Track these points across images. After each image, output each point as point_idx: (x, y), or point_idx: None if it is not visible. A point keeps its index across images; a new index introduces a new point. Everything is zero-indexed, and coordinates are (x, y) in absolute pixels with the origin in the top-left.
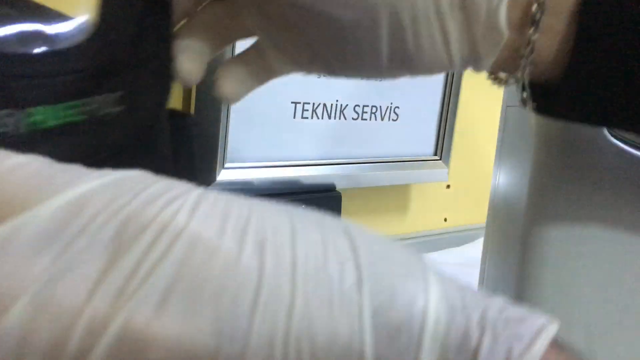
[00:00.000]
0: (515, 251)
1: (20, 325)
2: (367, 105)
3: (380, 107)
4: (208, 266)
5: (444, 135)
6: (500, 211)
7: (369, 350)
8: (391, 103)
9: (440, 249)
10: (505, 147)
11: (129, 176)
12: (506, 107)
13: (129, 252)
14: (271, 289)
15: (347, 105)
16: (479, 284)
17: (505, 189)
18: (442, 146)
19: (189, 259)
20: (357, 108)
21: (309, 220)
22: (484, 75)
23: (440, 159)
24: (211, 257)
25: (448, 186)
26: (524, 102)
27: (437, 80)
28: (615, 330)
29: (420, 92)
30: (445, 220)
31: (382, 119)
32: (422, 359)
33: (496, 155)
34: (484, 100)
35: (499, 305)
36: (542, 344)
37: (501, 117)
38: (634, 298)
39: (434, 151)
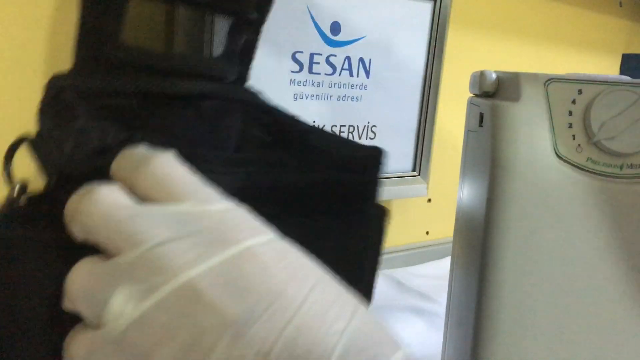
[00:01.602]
0: (477, 259)
1: None
2: (345, 125)
3: (358, 126)
4: None
5: (421, 152)
6: (463, 224)
7: None
8: (368, 122)
9: (423, 262)
10: (467, 166)
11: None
12: (467, 132)
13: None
14: None
15: (324, 125)
16: (448, 291)
17: (467, 203)
18: (420, 162)
19: None
20: (334, 128)
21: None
22: (459, 92)
23: (419, 175)
24: None
25: (429, 200)
26: None
27: (413, 99)
28: (566, 328)
29: (396, 112)
30: (427, 233)
31: (360, 138)
32: None
33: (460, 174)
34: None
35: None
36: None
37: (463, 140)
38: (581, 298)
39: (412, 167)
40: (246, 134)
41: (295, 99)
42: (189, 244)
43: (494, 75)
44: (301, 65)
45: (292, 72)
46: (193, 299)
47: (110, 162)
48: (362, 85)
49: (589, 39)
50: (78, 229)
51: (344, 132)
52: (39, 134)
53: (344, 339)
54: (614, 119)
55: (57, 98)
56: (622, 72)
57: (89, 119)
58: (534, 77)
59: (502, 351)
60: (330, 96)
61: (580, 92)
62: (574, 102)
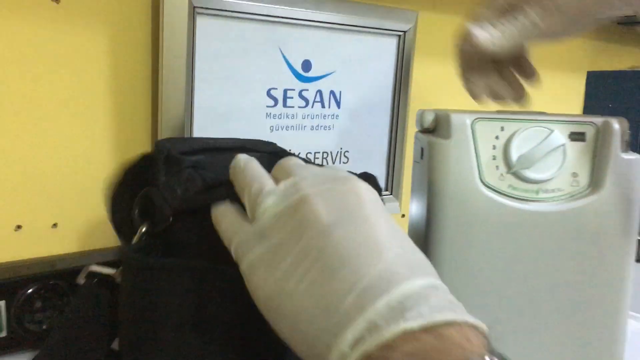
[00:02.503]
0: None
1: None
2: (319, 152)
3: (331, 152)
4: None
5: (392, 174)
6: (413, 237)
7: None
8: (341, 148)
9: None
10: (414, 191)
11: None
12: (414, 162)
13: None
14: None
15: (299, 153)
16: None
17: (414, 222)
18: (392, 183)
19: None
20: (309, 155)
21: None
22: None
23: (391, 194)
24: None
25: (403, 215)
26: None
27: (383, 126)
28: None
29: (367, 137)
30: None
31: (334, 162)
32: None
33: (410, 196)
34: None
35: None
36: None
37: (412, 169)
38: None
39: (385, 187)
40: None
41: (272, 130)
42: (313, 181)
43: (432, 115)
44: (276, 100)
45: (267, 106)
46: (305, 204)
47: (211, 199)
48: (333, 115)
49: (554, 58)
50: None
51: (318, 157)
52: (155, 185)
53: (397, 253)
54: (530, 151)
55: (169, 158)
56: (587, 89)
57: (192, 170)
58: (462, 117)
59: None
60: (304, 126)
61: (502, 128)
62: (497, 137)
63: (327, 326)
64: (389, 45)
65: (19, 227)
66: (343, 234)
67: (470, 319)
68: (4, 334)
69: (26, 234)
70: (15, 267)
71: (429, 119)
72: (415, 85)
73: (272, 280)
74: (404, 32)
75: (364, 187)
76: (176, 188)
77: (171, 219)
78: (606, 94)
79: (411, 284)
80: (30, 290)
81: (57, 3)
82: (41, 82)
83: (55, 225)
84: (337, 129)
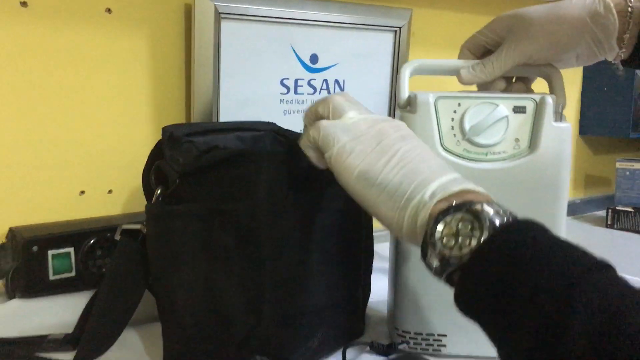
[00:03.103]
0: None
1: None
2: None
3: None
4: None
5: None
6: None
7: None
8: None
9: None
10: None
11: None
12: None
13: None
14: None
15: None
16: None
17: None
18: None
19: None
20: None
21: None
22: None
23: None
24: None
25: None
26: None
27: (382, 109)
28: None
29: None
30: None
31: None
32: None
33: None
34: None
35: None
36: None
37: None
38: None
39: None
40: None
41: (285, 114)
42: (378, 114)
43: (405, 95)
44: (288, 89)
45: (281, 94)
46: (380, 123)
47: (204, 161)
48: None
49: None
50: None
51: None
52: (164, 159)
53: (439, 161)
54: (479, 122)
55: (171, 137)
56: (584, 78)
57: (188, 143)
58: (426, 95)
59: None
60: None
61: (459, 104)
62: (455, 111)
63: (411, 185)
64: (387, 40)
65: (82, 192)
66: (409, 145)
67: (482, 189)
68: (73, 274)
69: (88, 198)
70: (80, 223)
71: (403, 97)
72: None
73: (365, 160)
74: (399, 27)
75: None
76: (178, 158)
77: (177, 181)
78: (602, 80)
79: (451, 174)
80: (92, 241)
81: (110, 13)
82: (95, 77)
83: (110, 191)
84: None
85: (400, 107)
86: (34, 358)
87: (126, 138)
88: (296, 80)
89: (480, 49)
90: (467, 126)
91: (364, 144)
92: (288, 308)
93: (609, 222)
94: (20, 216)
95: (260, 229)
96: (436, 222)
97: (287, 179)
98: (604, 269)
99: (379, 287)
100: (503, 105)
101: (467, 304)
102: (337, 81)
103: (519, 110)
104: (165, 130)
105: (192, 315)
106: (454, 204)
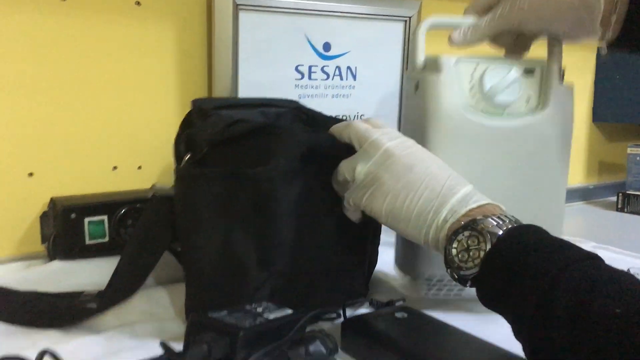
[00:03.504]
0: None
1: None
2: (339, 115)
3: (349, 115)
4: None
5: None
6: None
7: None
8: (357, 112)
9: None
10: (408, 120)
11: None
12: (405, 99)
13: None
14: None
15: None
16: None
17: None
18: None
19: None
20: None
21: None
22: None
23: None
24: None
25: None
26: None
27: (393, 94)
28: None
29: (379, 104)
30: None
31: None
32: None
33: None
34: None
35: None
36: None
37: (401, 108)
38: None
39: None
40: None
41: (300, 98)
42: (386, 137)
43: (423, 56)
44: (302, 74)
45: (296, 79)
46: (389, 156)
47: (229, 132)
48: (350, 86)
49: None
50: (346, 136)
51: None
52: (193, 128)
53: (450, 175)
54: (498, 83)
55: (200, 109)
56: (597, 62)
57: (216, 116)
58: (449, 57)
59: None
60: (326, 95)
61: (476, 66)
62: (473, 73)
63: (429, 215)
64: (397, 29)
65: (115, 167)
66: (419, 170)
67: (488, 201)
68: (106, 239)
69: (120, 172)
70: (113, 195)
71: (420, 59)
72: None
73: (387, 204)
74: (409, 17)
75: (412, 141)
76: (207, 128)
77: (205, 149)
78: (616, 66)
79: (463, 190)
80: (123, 211)
81: (139, 6)
82: (126, 63)
83: (140, 167)
84: (354, 97)
85: (416, 69)
86: (72, 308)
87: (154, 119)
88: (310, 67)
89: (485, 9)
90: (487, 86)
91: (382, 188)
92: (296, 266)
93: (620, 206)
94: (61, 188)
95: (275, 192)
96: (450, 242)
97: (304, 151)
98: (591, 259)
99: (385, 260)
100: (516, 68)
101: (487, 302)
102: (349, 68)
103: (529, 72)
104: (194, 102)
105: (211, 266)
106: (462, 224)
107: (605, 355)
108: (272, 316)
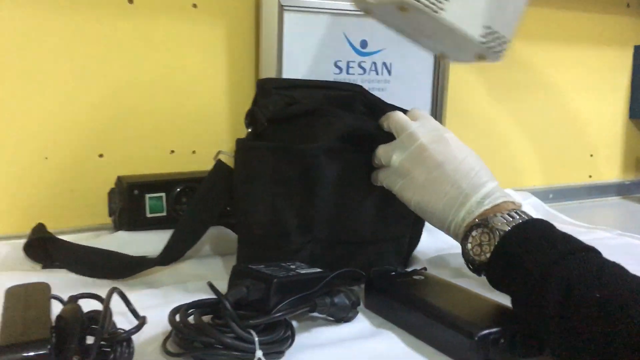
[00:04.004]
0: None
1: None
2: None
3: None
4: None
5: None
6: None
7: None
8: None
9: None
10: None
11: None
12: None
13: None
14: None
15: None
16: None
17: None
18: None
19: None
20: None
21: None
22: (464, 82)
23: None
24: None
25: None
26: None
27: (426, 88)
28: None
29: (412, 98)
30: None
31: None
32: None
33: None
34: (466, 95)
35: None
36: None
37: None
38: None
39: None
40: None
41: None
42: (422, 130)
43: None
44: (340, 69)
45: (334, 74)
46: (423, 150)
47: (289, 111)
48: (385, 80)
49: (602, 37)
50: (386, 125)
51: None
52: (256, 106)
53: (479, 170)
54: None
55: (262, 89)
56: (634, 62)
57: (277, 95)
58: None
59: None
60: None
61: None
62: None
63: (450, 212)
64: None
65: (172, 151)
66: (448, 167)
67: (515, 199)
68: (164, 213)
69: (177, 156)
70: (171, 175)
71: None
72: None
73: (416, 196)
74: None
75: (450, 132)
76: (268, 105)
77: (265, 124)
78: None
79: (484, 190)
80: (179, 189)
81: (195, 8)
82: (183, 59)
83: (194, 151)
84: (389, 90)
85: None
86: (135, 260)
87: (207, 109)
88: (348, 62)
89: None
90: None
91: (413, 181)
92: (334, 235)
93: None
94: (126, 168)
95: (318, 167)
96: (466, 238)
97: (348, 132)
98: (586, 251)
99: (429, 243)
100: None
101: (497, 286)
102: (384, 64)
103: None
104: (259, 81)
105: (259, 227)
106: (476, 222)
107: (586, 337)
108: (303, 272)
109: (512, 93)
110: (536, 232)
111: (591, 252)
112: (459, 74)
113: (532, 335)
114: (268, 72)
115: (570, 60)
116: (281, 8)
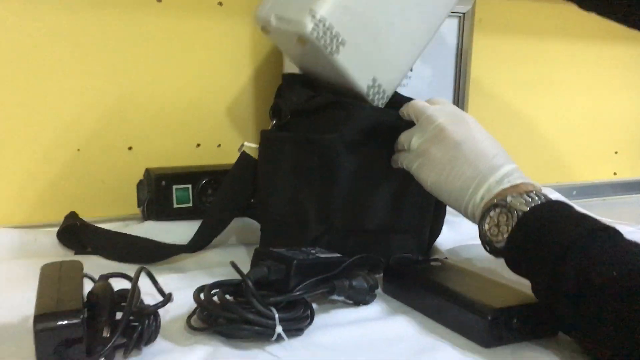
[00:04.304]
0: None
1: None
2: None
3: None
4: None
5: None
6: None
7: None
8: None
9: None
10: None
11: None
12: None
13: None
14: None
15: None
16: None
17: None
18: None
19: None
20: None
21: None
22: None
23: None
24: None
25: None
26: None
27: (447, 83)
28: None
29: (434, 91)
30: None
31: None
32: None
33: None
34: (486, 94)
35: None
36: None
37: None
38: None
39: None
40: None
41: None
42: (441, 113)
43: None
44: None
45: None
46: (441, 131)
47: (311, 104)
48: (407, 76)
49: (629, 34)
50: (405, 113)
51: None
52: (281, 98)
53: (496, 153)
54: None
55: (288, 82)
56: None
57: (300, 88)
58: None
59: None
60: None
61: None
62: None
63: (468, 191)
64: (452, 25)
65: (198, 145)
66: (466, 147)
67: (531, 181)
68: (190, 205)
69: (202, 150)
70: (197, 167)
71: None
72: (475, 54)
73: (433, 175)
74: (464, 13)
75: (467, 114)
76: (292, 97)
77: (289, 116)
78: None
79: (503, 169)
80: (204, 181)
81: (221, 6)
82: (209, 56)
83: (219, 145)
84: (410, 87)
85: None
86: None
87: (231, 104)
88: None
89: None
90: None
91: (430, 160)
92: (351, 224)
93: None
94: (154, 161)
95: (338, 159)
96: (483, 219)
97: (368, 125)
98: (604, 230)
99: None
100: None
101: (512, 269)
102: None
103: None
104: (284, 75)
105: (280, 215)
106: (494, 202)
107: (604, 316)
108: (322, 256)
109: (535, 90)
110: (555, 213)
111: (611, 231)
112: (481, 71)
113: (546, 316)
114: (292, 67)
115: (594, 57)
116: None
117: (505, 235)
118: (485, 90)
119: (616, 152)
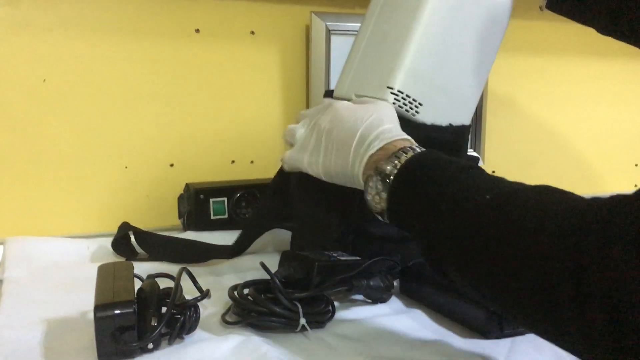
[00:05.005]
0: None
1: None
2: None
3: None
4: None
5: (475, 139)
6: None
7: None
8: None
9: None
10: None
11: None
12: None
13: None
14: None
15: None
16: None
17: None
18: (475, 144)
19: None
20: None
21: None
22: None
23: (474, 150)
24: None
25: (493, 171)
26: None
27: None
28: None
29: None
30: None
31: None
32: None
33: None
34: (507, 102)
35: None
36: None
37: None
38: None
39: (471, 146)
40: None
41: None
42: (309, 111)
43: None
44: None
45: None
46: (316, 126)
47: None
48: None
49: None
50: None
51: None
52: None
53: (369, 122)
54: None
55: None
56: None
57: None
58: None
59: None
60: None
61: None
62: None
63: (355, 164)
64: None
65: (233, 161)
66: (337, 132)
67: (406, 136)
68: (226, 216)
69: (237, 166)
70: (232, 182)
71: None
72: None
73: (320, 168)
74: None
75: (340, 104)
76: None
77: None
78: None
79: (374, 132)
80: (238, 195)
81: (253, 34)
82: (242, 80)
83: (252, 161)
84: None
85: None
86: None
87: (263, 123)
88: None
89: None
90: None
91: (313, 154)
92: (366, 232)
93: None
94: (193, 176)
95: None
96: (365, 189)
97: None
98: (477, 168)
99: None
100: None
101: (396, 223)
102: None
103: None
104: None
105: (306, 221)
106: (371, 173)
107: (483, 235)
108: (343, 259)
109: (555, 103)
110: (424, 162)
111: (480, 168)
112: (499, 84)
113: None
114: (317, 89)
115: (613, 71)
116: (328, 32)
117: (384, 203)
118: (504, 103)
119: (636, 165)
